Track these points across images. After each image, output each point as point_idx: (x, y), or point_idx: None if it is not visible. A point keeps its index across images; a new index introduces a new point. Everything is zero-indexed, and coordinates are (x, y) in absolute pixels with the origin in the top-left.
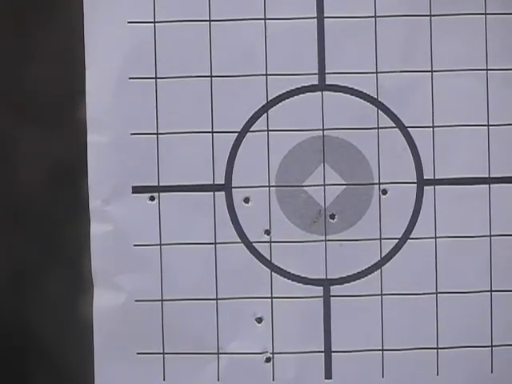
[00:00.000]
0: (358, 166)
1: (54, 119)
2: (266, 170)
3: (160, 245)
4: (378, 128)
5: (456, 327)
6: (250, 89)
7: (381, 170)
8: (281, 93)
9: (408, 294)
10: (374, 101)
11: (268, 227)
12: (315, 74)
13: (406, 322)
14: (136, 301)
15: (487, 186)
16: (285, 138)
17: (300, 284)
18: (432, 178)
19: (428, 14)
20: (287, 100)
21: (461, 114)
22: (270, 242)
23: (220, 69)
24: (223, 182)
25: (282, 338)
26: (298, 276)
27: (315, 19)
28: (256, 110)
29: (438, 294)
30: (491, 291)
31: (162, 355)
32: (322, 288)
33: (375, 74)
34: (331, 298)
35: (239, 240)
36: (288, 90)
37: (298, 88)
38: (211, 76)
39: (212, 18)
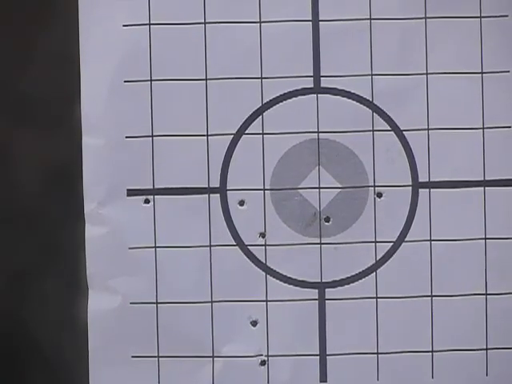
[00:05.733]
0: (353, 168)
1: (49, 122)
2: (261, 173)
3: (155, 247)
4: (373, 131)
5: (451, 330)
6: (245, 91)
7: (376, 172)
8: (276, 95)
9: (403, 297)
10: (369, 103)
11: (263, 230)
12: (310, 76)
13: (400, 325)
14: (131, 303)
15: (482, 188)
16: (280, 140)
17: (295, 287)
18: (427, 180)
19: (423, 16)
20: (282, 103)
21: (456, 116)
22: (265, 244)
23: (215, 71)
24: (218, 185)
25: (277, 341)
26: (293, 279)
27: (310, 22)
28: (251, 112)
29: (433, 297)
30: (486, 294)
31: (156, 358)
32: (317, 291)
33: (370, 77)
34: (326, 301)
35: (234, 243)
36: (283, 92)
37: (293, 91)
38: (206, 79)
39: (207, 21)
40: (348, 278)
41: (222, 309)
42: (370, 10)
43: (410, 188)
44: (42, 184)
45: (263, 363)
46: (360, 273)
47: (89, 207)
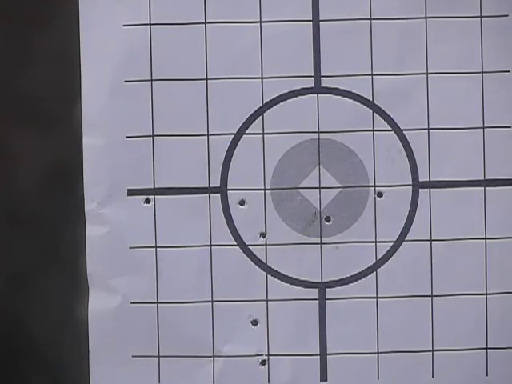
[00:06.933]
0: (354, 168)
1: (49, 122)
2: (262, 173)
3: (155, 247)
4: (374, 130)
5: (451, 330)
6: (245, 91)
7: (376, 172)
8: (276, 95)
9: (403, 296)
10: (369, 103)
11: (263, 230)
12: (311, 76)
13: (401, 325)
14: (131, 303)
15: (482, 188)
16: (280, 140)
17: (296, 286)
18: (427, 180)
19: (423, 16)
20: (283, 102)
21: (456, 116)
22: (266, 244)
23: (216, 71)
24: (219, 185)
25: (278, 341)
26: (294, 279)
27: (311, 22)
28: (252, 112)
29: (434, 297)
30: (486, 294)
31: (157, 358)
32: (317, 290)
33: (371, 77)
34: (327, 300)
35: (235, 243)
36: (283, 92)
37: (293, 91)
38: (207, 78)
39: (208, 21)
40: (348, 277)
41: (222, 308)
42: (370, 10)
43: (411, 188)
44: (42, 184)
45: (264, 363)
46: (360, 272)
47: (89, 207)
